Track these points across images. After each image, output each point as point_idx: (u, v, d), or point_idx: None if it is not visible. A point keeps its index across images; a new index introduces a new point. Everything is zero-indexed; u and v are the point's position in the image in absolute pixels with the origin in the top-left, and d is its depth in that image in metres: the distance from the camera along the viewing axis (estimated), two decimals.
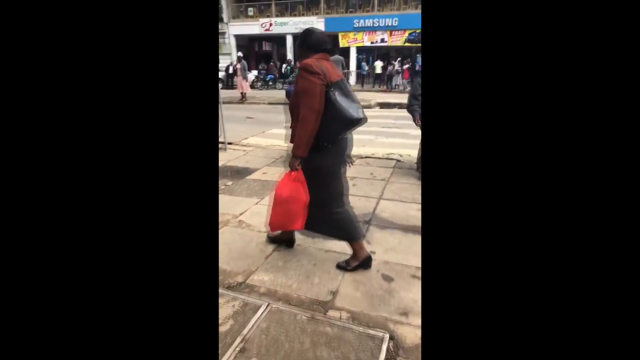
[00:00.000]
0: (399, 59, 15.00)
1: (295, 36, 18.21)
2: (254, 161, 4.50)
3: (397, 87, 14.84)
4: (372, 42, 17.50)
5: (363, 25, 17.29)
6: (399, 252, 2.30)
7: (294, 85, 1.83)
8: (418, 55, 10.90)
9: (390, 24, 16.87)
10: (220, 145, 4.93)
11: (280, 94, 11.94)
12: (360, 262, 2.08)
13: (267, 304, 1.76)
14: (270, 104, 11.10)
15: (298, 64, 1.94)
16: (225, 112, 5.17)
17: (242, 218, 2.82)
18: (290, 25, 18.26)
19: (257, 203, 3.13)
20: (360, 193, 3.33)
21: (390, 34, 17.03)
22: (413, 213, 2.89)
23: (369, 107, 10.05)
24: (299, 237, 2.44)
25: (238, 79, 11.83)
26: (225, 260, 2.19)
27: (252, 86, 15.55)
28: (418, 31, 16.48)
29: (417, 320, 1.67)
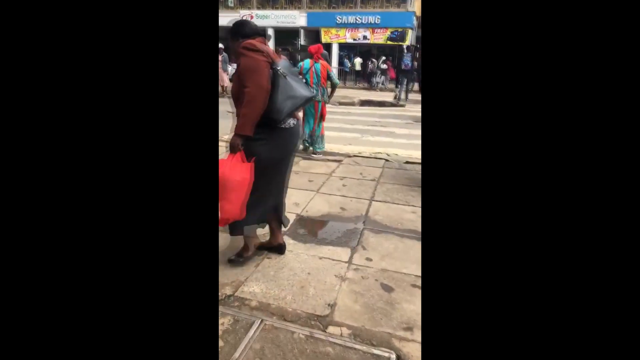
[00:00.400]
0: (383, 58, 14.77)
1: (277, 29, 17.89)
2: None
3: (377, 85, 14.15)
4: (354, 39, 17.35)
5: (346, 22, 17.13)
6: (396, 258, 2.19)
7: (236, 67, 1.77)
8: (405, 54, 10.82)
9: (372, 22, 16.79)
10: None
11: None
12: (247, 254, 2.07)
13: (260, 320, 1.59)
14: None
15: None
16: None
17: None
18: (272, 18, 17.86)
19: None
20: (351, 194, 3.20)
21: (373, 32, 16.95)
22: (407, 216, 2.78)
23: (352, 104, 9.90)
24: (289, 242, 2.28)
25: (219, 72, 11.46)
26: None
27: (232, 79, 15.09)
28: (400, 30, 16.51)
29: None
